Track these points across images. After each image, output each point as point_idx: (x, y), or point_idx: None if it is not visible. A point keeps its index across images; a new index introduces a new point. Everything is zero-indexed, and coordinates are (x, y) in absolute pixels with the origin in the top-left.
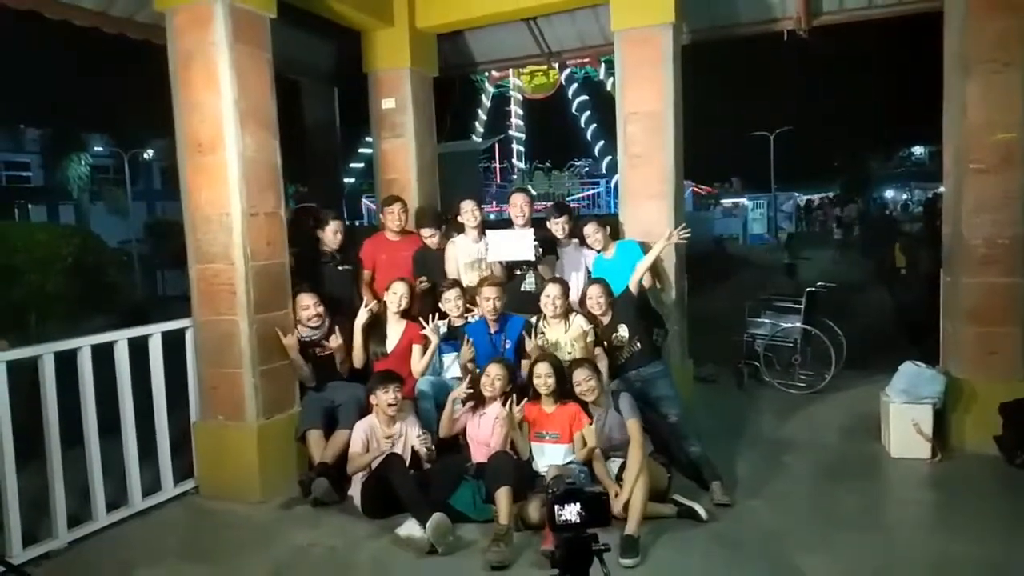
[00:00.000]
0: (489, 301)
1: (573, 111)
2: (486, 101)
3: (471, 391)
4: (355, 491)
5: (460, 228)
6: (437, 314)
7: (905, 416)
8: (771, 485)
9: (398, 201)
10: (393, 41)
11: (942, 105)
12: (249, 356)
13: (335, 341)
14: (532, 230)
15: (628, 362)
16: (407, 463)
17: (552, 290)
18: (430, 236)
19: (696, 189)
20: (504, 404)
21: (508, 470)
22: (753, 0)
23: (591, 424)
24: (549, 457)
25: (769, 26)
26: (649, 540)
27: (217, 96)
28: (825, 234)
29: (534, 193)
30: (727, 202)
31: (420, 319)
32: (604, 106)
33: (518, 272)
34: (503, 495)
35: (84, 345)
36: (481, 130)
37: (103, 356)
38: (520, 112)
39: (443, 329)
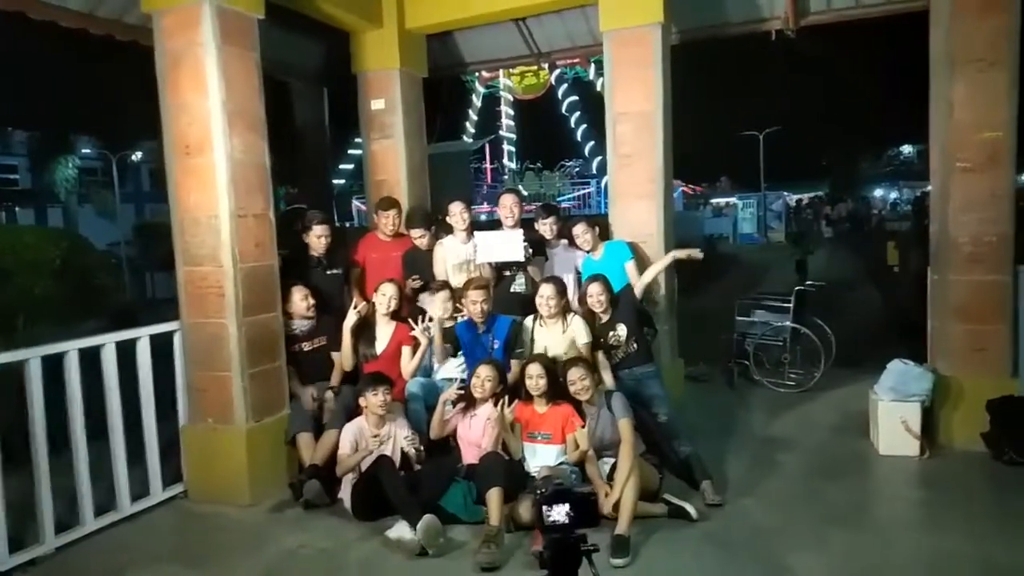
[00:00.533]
0: (476, 304)
1: (563, 111)
2: (476, 101)
3: (461, 392)
4: (345, 493)
5: (450, 229)
6: (427, 316)
7: (893, 414)
8: (761, 483)
9: (394, 207)
10: (382, 42)
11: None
12: (238, 359)
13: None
14: (521, 231)
15: (622, 361)
16: (396, 465)
17: (546, 290)
18: (420, 237)
19: (686, 189)
20: (495, 405)
21: (499, 471)
22: (741, 0)
23: (583, 427)
24: (541, 458)
25: (757, 26)
26: (640, 540)
27: (205, 98)
28: (814, 233)
29: (525, 193)
30: (717, 202)
31: (409, 320)
32: (594, 106)
33: (507, 273)
34: (494, 496)
35: (71, 349)
36: (472, 130)
37: (91, 360)
38: (510, 112)
39: (433, 331)
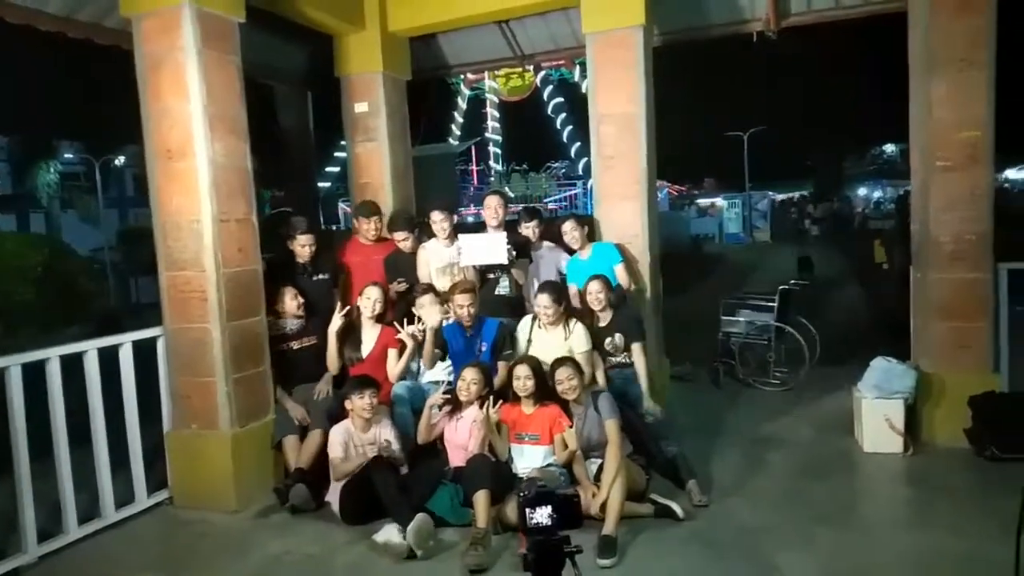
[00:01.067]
0: (463, 308)
1: (549, 113)
2: (462, 104)
3: (448, 395)
4: (333, 497)
5: (432, 232)
6: (417, 318)
7: (877, 411)
8: (747, 482)
9: (375, 214)
10: (365, 45)
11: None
12: (222, 364)
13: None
14: (505, 234)
15: (611, 365)
16: None
17: (542, 300)
18: (403, 239)
19: (671, 190)
20: (481, 407)
21: (486, 473)
22: (723, 2)
23: (571, 427)
24: (529, 459)
25: (739, 27)
26: (627, 540)
27: (186, 102)
28: (799, 232)
29: (511, 195)
30: (702, 202)
31: (395, 324)
32: (580, 108)
33: (491, 276)
34: (481, 498)
35: (52, 356)
36: (458, 133)
37: (73, 366)
38: (496, 114)
39: (427, 338)
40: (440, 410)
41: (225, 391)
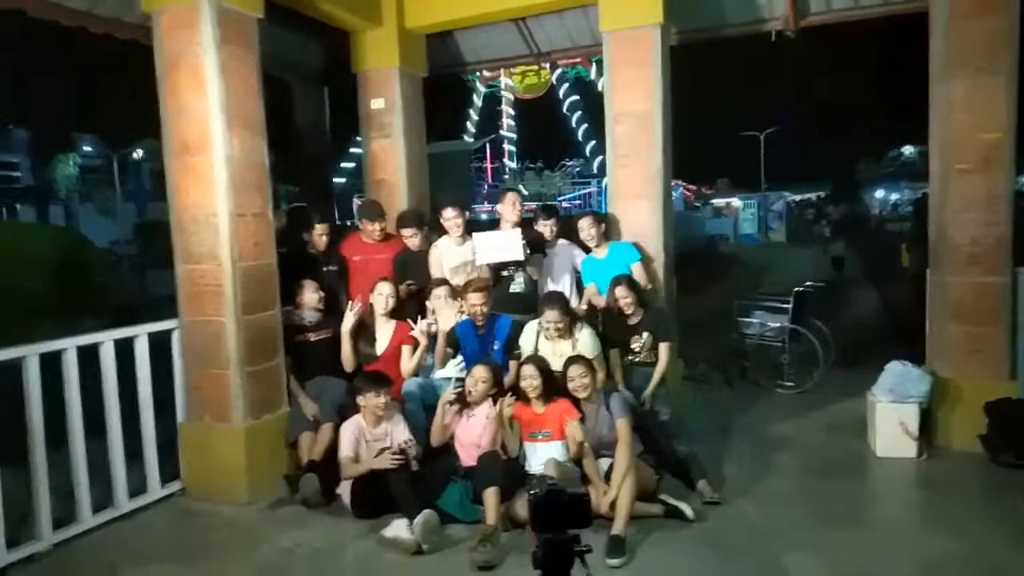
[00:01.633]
0: (476, 307)
1: (564, 111)
2: (477, 101)
3: (459, 392)
4: (344, 490)
5: (443, 229)
6: (432, 314)
7: (891, 415)
8: (758, 484)
9: (380, 218)
10: (382, 41)
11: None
12: (236, 357)
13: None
14: (520, 230)
15: (634, 363)
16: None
17: (550, 316)
18: (411, 236)
19: (686, 190)
20: (494, 404)
21: (496, 470)
22: (741, 1)
23: (581, 420)
24: (541, 455)
25: (757, 27)
26: (636, 540)
27: (204, 98)
28: (816, 234)
29: (525, 193)
30: (717, 202)
31: (409, 320)
32: (595, 106)
33: (505, 273)
34: (491, 495)
35: (70, 346)
36: (473, 130)
37: (89, 357)
38: (511, 112)
39: (438, 339)
40: (451, 406)
41: (239, 384)
